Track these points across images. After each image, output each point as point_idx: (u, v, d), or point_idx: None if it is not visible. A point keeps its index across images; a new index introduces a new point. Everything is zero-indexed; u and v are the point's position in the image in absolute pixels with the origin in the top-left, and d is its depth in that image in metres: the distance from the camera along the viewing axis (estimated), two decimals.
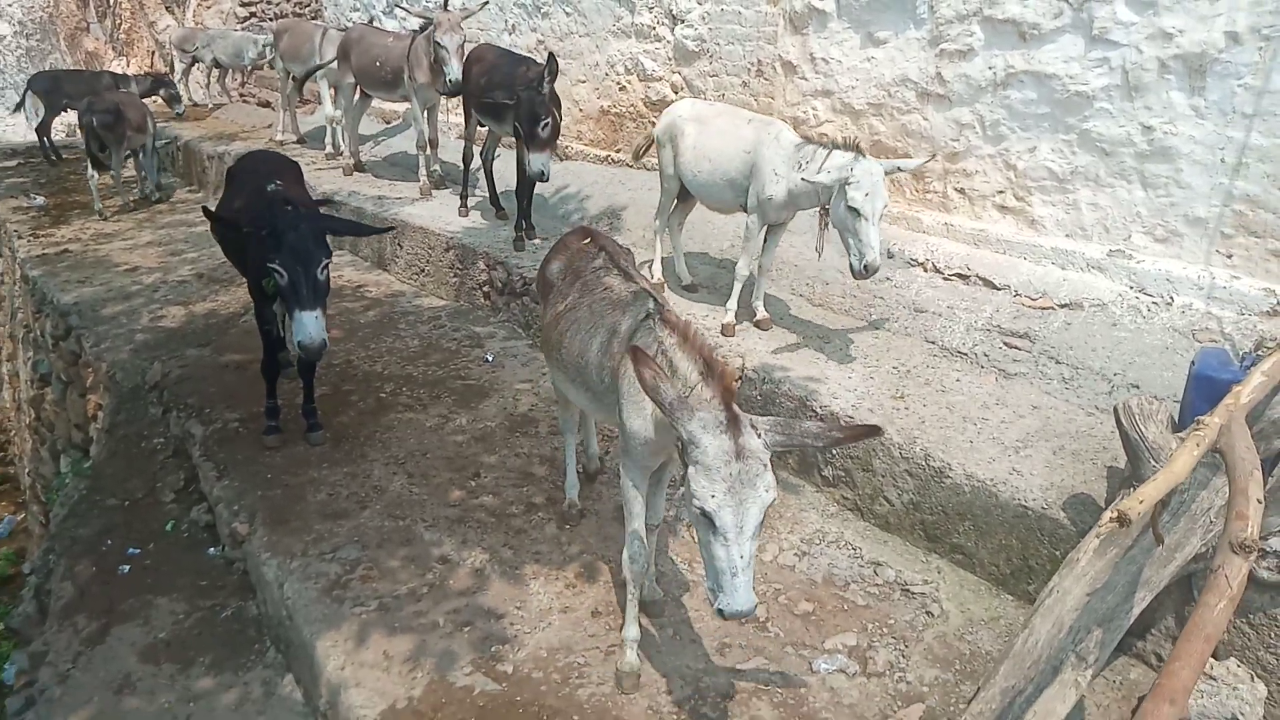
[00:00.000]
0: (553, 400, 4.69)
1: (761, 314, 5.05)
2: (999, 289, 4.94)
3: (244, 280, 5.20)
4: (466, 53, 6.62)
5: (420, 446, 4.65)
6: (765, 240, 4.92)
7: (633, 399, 2.84)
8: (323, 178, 8.39)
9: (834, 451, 4.14)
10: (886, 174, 4.12)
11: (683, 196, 5.38)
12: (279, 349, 4.77)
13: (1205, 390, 3.15)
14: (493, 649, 3.30)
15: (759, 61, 6.30)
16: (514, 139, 5.96)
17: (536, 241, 6.34)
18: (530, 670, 3.22)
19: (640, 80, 7.26)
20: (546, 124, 5.43)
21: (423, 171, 7.79)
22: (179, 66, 12.75)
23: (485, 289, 6.39)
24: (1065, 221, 4.92)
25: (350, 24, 9.75)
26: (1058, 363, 4.39)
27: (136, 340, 6.13)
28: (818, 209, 4.42)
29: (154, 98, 11.26)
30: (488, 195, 7.14)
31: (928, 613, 3.51)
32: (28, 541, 7.94)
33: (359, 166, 8.66)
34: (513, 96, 5.58)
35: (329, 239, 4.09)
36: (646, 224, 6.02)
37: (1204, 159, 4.35)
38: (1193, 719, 2.82)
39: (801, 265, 5.54)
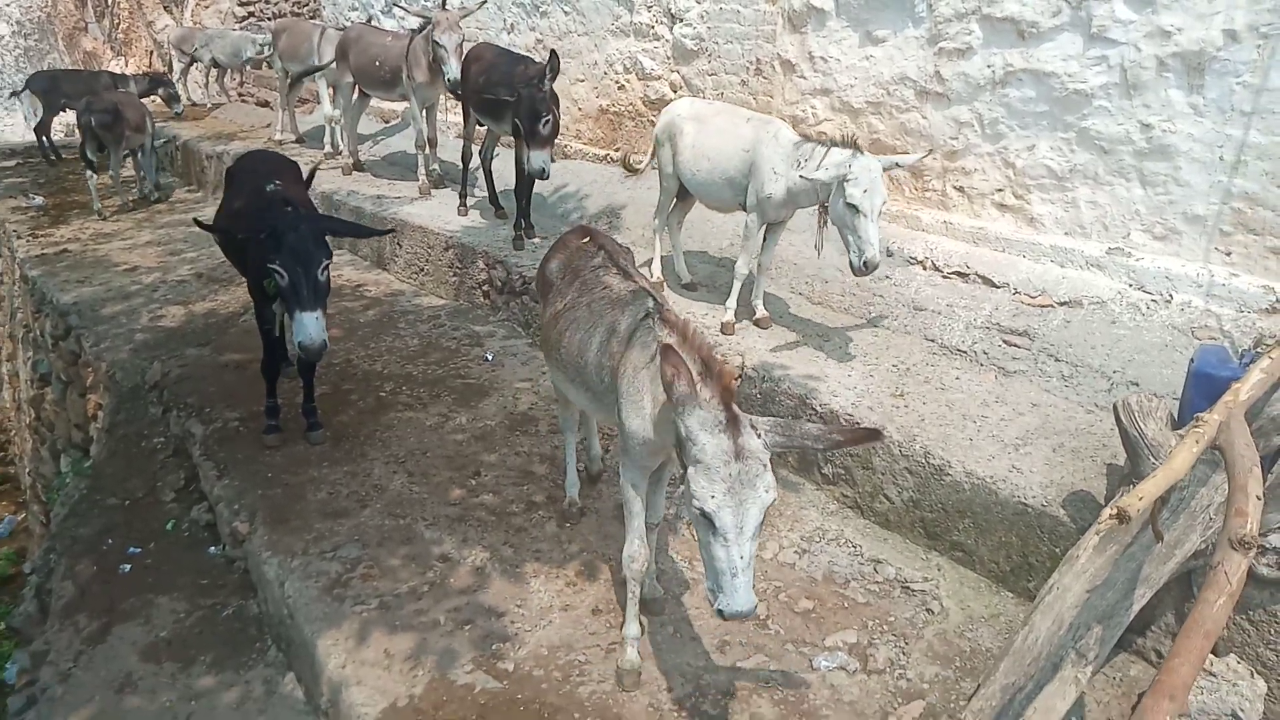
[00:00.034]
0: (552, 399, 4.69)
1: (761, 312, 5.06)
2: (998, 287, 4.95)
3: (243, 280, 5.20)
4: (465, 52, 6.62)
5: (420, 445, 4.66)
6: (764, 239, 4.92)
7: (631, 399, 2.83)
8: (321, 177, 8.37)
9: (834, 451, 4.15)
10: (884, 170, 4.12)
11: (682, 195, 5.38)
12: (278, 348, 4.77)
13: (1204, 387, 3.16)
14: (494, 647, 3.31)
15: (758, 60, 6.30)
16: (512, 138, 5.97)
17: (536, 240, 6.35)
18: (531, 668, 3.22)
19: (639, 79, 7.26)
20: (548, 120, 5.44)
21: (422, 171, 7.78)
22: (177, 66, 12.73)
23: (485, 288, 6.39)
24: (1064, 219, 4.93)
25: (348, 23, 9.75)
26: (1057, 360, 4.40)
27: (136, 340, 6.13)
28: (817, 207, 4.42)
29: (152, 97, 11.25)
30: (487, 194, 7.14)
31: (928, 610, 3.52)
32: (28, 541, 7.94)
33: (358, 166, 8.65)
34: (513, 93, 5.58)
35: (329, 239, 4.10)
36: (646, 223, 6.02)
37: (1202, 157, 4.35)
38: (1193, 715, 2.82)
39: (801, 264, 5.55)
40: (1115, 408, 3.34)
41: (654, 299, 2.99)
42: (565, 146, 7.71)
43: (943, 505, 3.78)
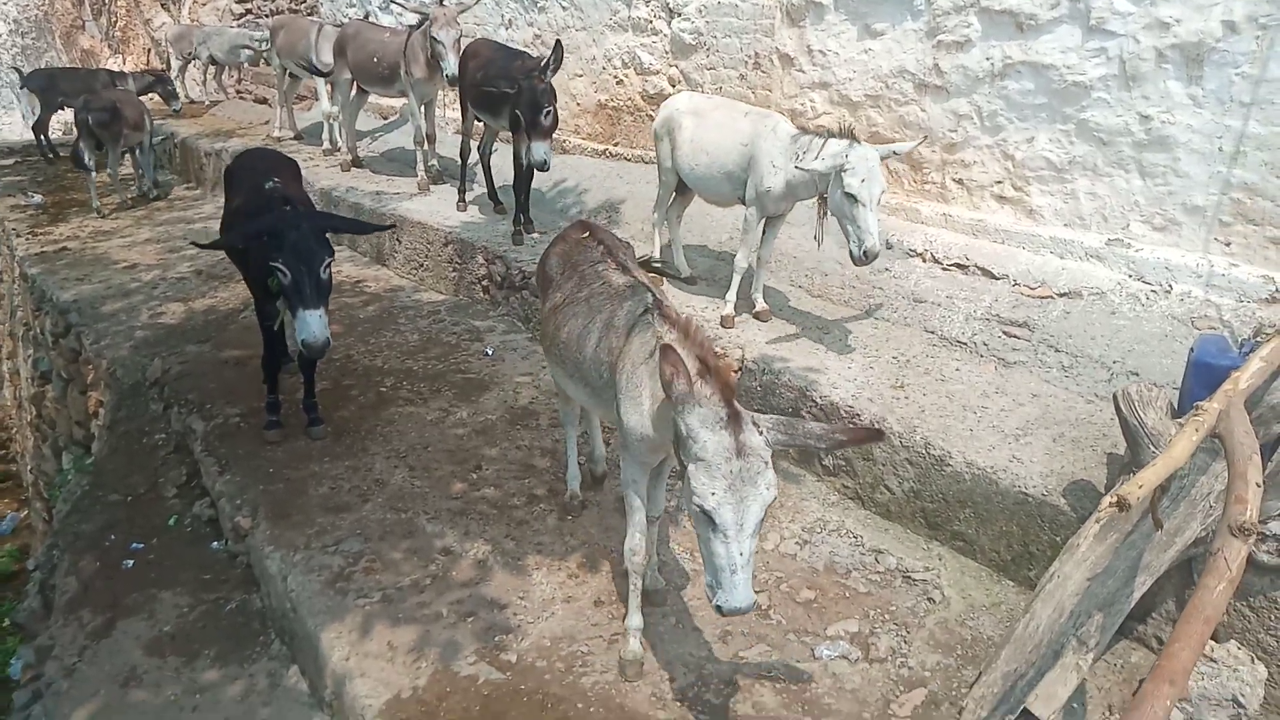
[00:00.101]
0: (553, 393, 4.70)
1: (761, 305, 5.06)
2: (998, 278, 4.95)
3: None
4: (463, 48, 6.61)
5: (421, 440, 4.66)
6: (764, 232, 4.93)
7: (630, 395, 2.82)
8: (320, 174, 8.39)
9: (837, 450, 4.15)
10: (881, 159, 4.13)
11: (681, 189, 5.38)
12: (279, 344, 4.78)
13: (1204, 376, 3.17)
14: (496, 638, 3.32)
15: (756, 54, 6.30)
16: (510, 133, 5.97)
17: (535, 235, 6.35)
18: (534, 659, 3.23)
19: (637, 74, 7.26)
20: (549, 111, 5.44)
21: (420, 167, 7.79)
22: (175, 64, 12.73)
23: (484, 283, 6.40)
24: (1063, 211, 4.93)
25: (346, 20, 9.73)
26: (1057, 351, 4.41)
27: (136, 337, 6.14)
28: (816, 199, 4.43)
29: (151, 95, 11.24)
30: (486, 190, 7.15)
31: (929, 599, 3.53)
32: (31, 538, 7.96)
33: (357, 162, 8.66)
34: (514, 85, 5.58)
35: (330, 237, 4.10)
36: (645, 217, 6.03)
37: (1202, 148, 4.35)
38: (1193, 700, 2.83)
39: (800, 256, 5.55)
40: (1115, 397, 3.34)
41: (653, 294, 2.99)
42: (564, 141, 7.71)
43: (943, 495, 3.80)
